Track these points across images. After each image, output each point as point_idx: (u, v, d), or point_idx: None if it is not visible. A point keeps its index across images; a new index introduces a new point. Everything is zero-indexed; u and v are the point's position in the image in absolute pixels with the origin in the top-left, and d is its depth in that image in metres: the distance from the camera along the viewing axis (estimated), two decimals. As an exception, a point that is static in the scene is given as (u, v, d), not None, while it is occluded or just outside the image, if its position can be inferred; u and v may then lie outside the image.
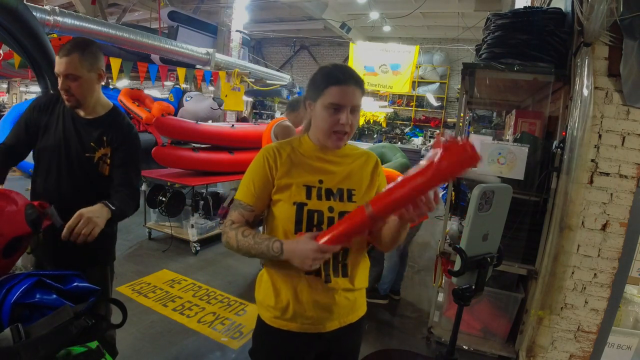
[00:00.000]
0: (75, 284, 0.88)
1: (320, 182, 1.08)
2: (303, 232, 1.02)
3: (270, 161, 1.08)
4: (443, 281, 2.65)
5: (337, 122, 1.03)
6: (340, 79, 1.03)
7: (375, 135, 13.08)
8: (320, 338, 1.12)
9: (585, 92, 1.89)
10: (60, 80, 1.42)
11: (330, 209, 1.06)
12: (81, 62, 1.40)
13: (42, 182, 1.52)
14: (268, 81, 8.47)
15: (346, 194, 1.09)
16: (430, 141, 11.67)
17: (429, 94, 12.70)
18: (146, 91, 7.55)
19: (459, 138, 0.85)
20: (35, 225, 1.05)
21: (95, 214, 1.23)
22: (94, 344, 0.81)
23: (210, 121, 5.69)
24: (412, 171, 0.87)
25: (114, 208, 1.33)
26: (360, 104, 1.07)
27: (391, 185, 0.90)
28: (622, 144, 1.93)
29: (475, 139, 3.52)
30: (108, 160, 1.52)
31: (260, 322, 1.16)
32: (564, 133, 2.12)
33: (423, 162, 0.85)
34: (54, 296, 0.82)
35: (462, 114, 2.94)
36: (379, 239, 1.12)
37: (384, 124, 13.32)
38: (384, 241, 1.11)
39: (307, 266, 0.94)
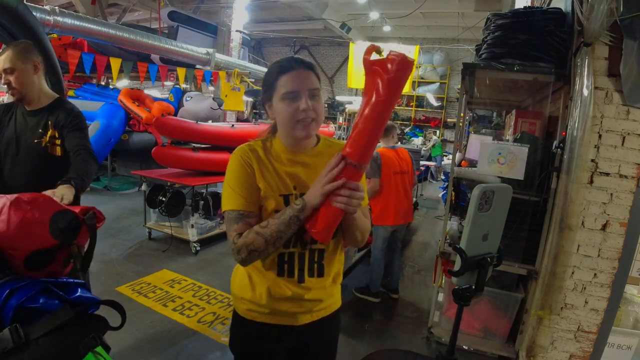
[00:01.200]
0: (78, 293, 0.87)
1: (295, 188, 1.05)
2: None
3: (250, 162, 1.05)
4: (443, 281, 2.65)
5: (297, 109, 0.98)
6: (287, 66, 1.00)
7: (375, 135, 13.07)
8: (294, 331, 1.13)
9: (585, 92, 1.89)
10: (2, 78, 1.63)
11: None
12: (15, 55, 1.62)
13: (3, 171, 1.72)
14: (268, 81, 8.46)
15: None
16: (430, 140, 11.68)
17: (429, 94, 12.71)
18: (146, 91, 7.55)
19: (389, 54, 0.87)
20: (65, 235, 0.92)
21: (60, 194, 1.33)
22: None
23: (210, 121, 5.69)
24: (365, 104, 0.90)
25: (74, 183, 1.45)
26: (318, 87, 1.02)
27: (356, 122, 0.92)
28: (622, 144, 1.93)
29: (475, 139, 3.53)
30: (57, 141, 1.70)
31: (235, 315, 1.17)
32: (564, 133, 2.12)
33: (367, 91, 0.90)
34: (56, 302, 0.82)
35: (462, 114, 2.94)
36: (347, 235, 1.12)
37: (384, 124, 13.30)
38: (349, 235, 1.11)
39: (328, 187, 0.93)
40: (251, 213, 1.03)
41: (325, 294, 1.13)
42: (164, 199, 4.13)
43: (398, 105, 13.63)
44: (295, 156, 1.08)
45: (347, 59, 9.37)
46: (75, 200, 1.40)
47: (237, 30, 8.48)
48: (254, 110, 11.27)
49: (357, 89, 11.01)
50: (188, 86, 7.98)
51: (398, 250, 3.37)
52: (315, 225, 0.97)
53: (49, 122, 1.70)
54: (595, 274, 2.01)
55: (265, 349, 1.15)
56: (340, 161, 0.93)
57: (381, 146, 3.21)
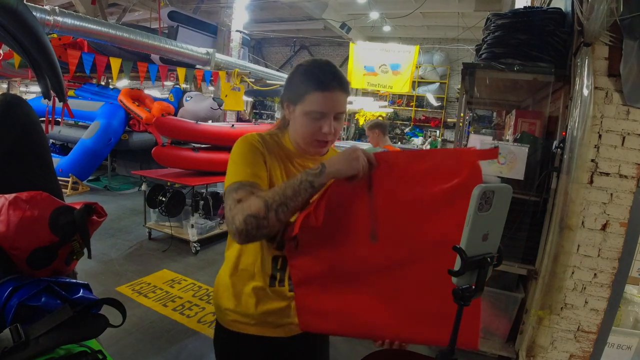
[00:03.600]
0: (80, 294, 0.87)
1: None
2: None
3: (261, 149, 0.97)
4: (443, 281, 2.65)
5: (319, 130, 0.94)
6: (323, 83, 0.92)
7: (375, 135, 13.08)
8: (283, 343, 1.08)
9: (585, 92, 1.88)
10: None
11: None
12: None
13: None
14: (268, 81, 8.46)
15: None
16: (436, 141, 11.67)
17: (429, 94, 12.70)
18: (146, 91, 7.55)
19: None
20: (65, 232, 0.90)
21: None
22: (93, 344, 0.81)
23: (210, 121, 5.69)
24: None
25: None
26: (345, 110, 0.96)
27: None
28: (622, 144, 1.93)
29: (475, 139, 3.53)
30: None
31: (218, 328, 1.10)
32: (564, 133, 2.12)
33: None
34: (58, 302, 0.82)
35: (462, 114, 2.94)
36: None
37: (384, 124, 13.30)
38: None
39: (355, 164, 0.82)
40: (255, 183, 0.90)
41: None
42: (164, 199, 4.13)
43: (397, 105, 13.63)
44: (303, 160, 1.04)
45: (347, 59, 9.35)
46: None
47: (237, 30, 8.47)
48: (254, 110, 11.27)
49: (356, 89, 10.99)
50: (188, 86, 7.98)
51: None
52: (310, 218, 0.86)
53: None
54: (595, 274, 2.01)
55: None
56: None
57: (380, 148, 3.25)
